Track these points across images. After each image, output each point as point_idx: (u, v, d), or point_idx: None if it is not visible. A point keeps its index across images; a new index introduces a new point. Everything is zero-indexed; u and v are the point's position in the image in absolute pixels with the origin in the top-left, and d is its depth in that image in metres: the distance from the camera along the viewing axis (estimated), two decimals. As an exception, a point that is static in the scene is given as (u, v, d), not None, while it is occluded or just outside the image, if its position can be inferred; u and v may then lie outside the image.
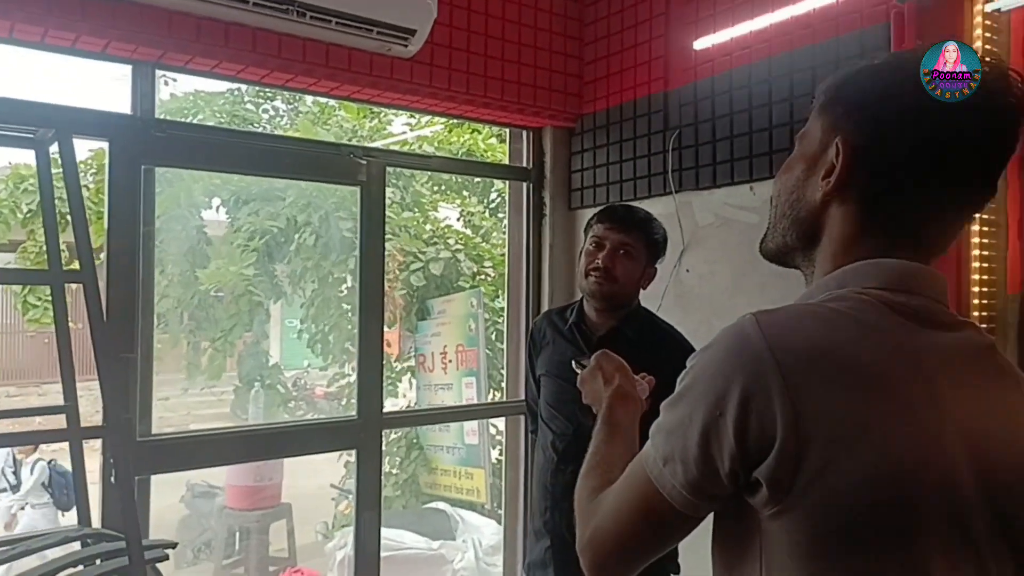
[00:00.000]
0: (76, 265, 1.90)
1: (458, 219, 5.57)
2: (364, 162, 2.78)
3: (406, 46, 2.56)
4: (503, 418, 3.42)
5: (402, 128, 5.72)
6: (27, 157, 4.53)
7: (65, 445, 2.18)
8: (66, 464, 5.00)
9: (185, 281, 5.05)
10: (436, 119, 5.02)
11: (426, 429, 4.92)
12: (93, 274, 1.87)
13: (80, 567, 1.81)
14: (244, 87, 5.33)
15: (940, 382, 0.73)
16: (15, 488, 5.38)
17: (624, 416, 1.04)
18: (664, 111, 2.74)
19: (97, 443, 2.23)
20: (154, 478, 2.39)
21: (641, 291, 1.96)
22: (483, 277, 5.10)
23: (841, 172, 0.79)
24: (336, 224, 4.87)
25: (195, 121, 5.04)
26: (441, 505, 4.72)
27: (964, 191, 0.78)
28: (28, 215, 5.14)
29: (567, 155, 3.21)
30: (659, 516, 0.78)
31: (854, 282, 0.78)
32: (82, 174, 4.63)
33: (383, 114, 5.52)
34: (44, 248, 2.24)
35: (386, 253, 2.94)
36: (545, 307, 3.11)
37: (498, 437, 4.41)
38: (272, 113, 5.94)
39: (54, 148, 1.96)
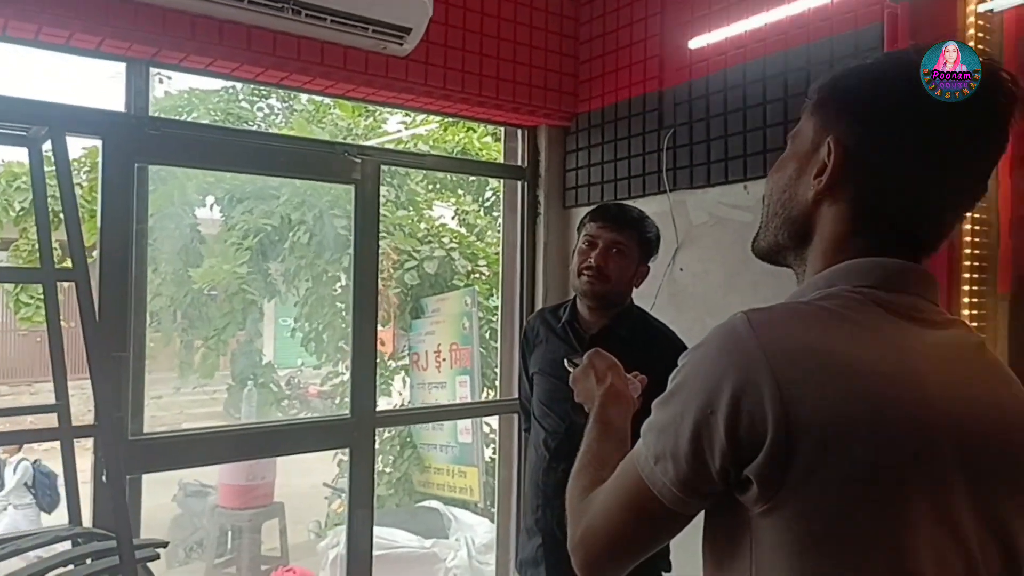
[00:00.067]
0: (68, 263, 1.89)
1: (453, 218, 5.57)
2: (358, 160, 2.78)
3: (401, 44, 2.56)
4: (496, 416, 3.42)
5: (397, 126, 5.72)
6: (20, 155, 4.52)
7: (50, 445, 2.17)
8: (51, 465, 4.99)
9: (178, 279, 5.03)
10: (431, 118, 5.01)
11: (419, 428, 4.92)
12: (85, 272, 1.86)
13: (70, 566, 1.80)
14: (239, 85, 5.31)
15: (930, 380, 0.73)
16: (-3, 488, 5.33)
17: (616, 415, 1.05)
18: (659, 110, 2.74)
19: (89, 442, 2.22)
20: (146, 477, 2.38)
21: (634, 289, 1.96)
22: (477, 276, 5.10)
23: (833, 171, 0.79)
24: (330, 222, 4.86)
25: (189, 119, 5.02)
26: (434, 504, 4.72)
27: (955, 190, 0.78)
28: (20, 213, 5.12)
29: (562, 154, 3.21)
30: (650, 514, 0.78)
31: (845, 280, 0.78)
32: (75, 172, 4.61)
33: (378, 112, 5.51)
34: (36, 246, 2.23)
35: (380, 251, 2.94)
36: (539, 306, 3.11)
37: (491, 435, 4.41)
38: (267, 111, 5.92)
39: (47, 146, 1.95)
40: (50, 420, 2.03)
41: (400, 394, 5.31)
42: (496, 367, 3.40)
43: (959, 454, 0.71)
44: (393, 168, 4.75)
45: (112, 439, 1.94)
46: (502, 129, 3.38)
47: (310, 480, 5.35)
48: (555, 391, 1.92)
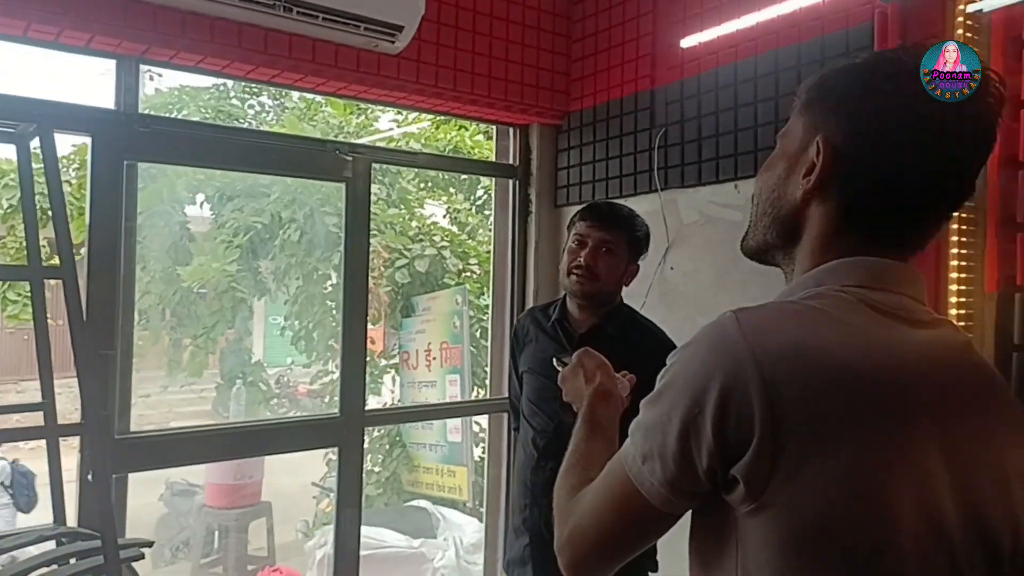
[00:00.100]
0: (56, 261, 1.88)
1: (444, 216, 5.56)
2: (350, 158, 2.77)
3: (393, 42, 2.55)
4: (486, 416, 3.41)
5: (389, 125, 5.70)
6: (8, 152, 4.47)
7: (31, 444, 2.15)
8: (30, 465, 4.94)
9: (167, 277, 5.00)
10: (423, 116, 5.00)
11: (409, 427, 4.91)
12: (73, 270, 1.85)
13: (54, 566, 1.79)
14: (230, 82, 5.29)
15: (916, 378, 0.73)
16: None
17: (604, 414, 1.05)
18: (651, 109, 2.74)
19: (75, 440, 2.20)
20: (132, 476, 2.37)
21: (624, 288, 1.96)
22: (468, 274, 5.09)
23: (821, 170, 0.79)
24: (321, 220, 4.84)
25: (179, 116, 4.99)
26: (423, 503, 4.71)
27: (942, 190, 0.79)
28: (8, 210, 5.08)
29: (553, 152, 3.20)
30: (637, 514, 0.78)
31: (833, 280, 0.78)
32: (64, 169, 4.59)
33: (370, 111, 5.49)
34: (24, 243, 2.22)
35: (371, 250, 2.93)
36: (530, 304, 3.11)
37: (481, 435, 4.40)
38: (258, 109, 5.89)
39: (35, 143, 1.94)
40: (36, 419, 2.01)
41: (393, 392, 5.30)
42: (486, 366, 3.40)
43: (943, 453, 0.72)
44: (384, 166, 4.74)
45: (98, 438, 1.93)
46: (494, 127, 3.37)
47: (299, 479, 5.33)
48: (544, 390, 1.92)
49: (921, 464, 0.70)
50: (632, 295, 2.05)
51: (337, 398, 2.80)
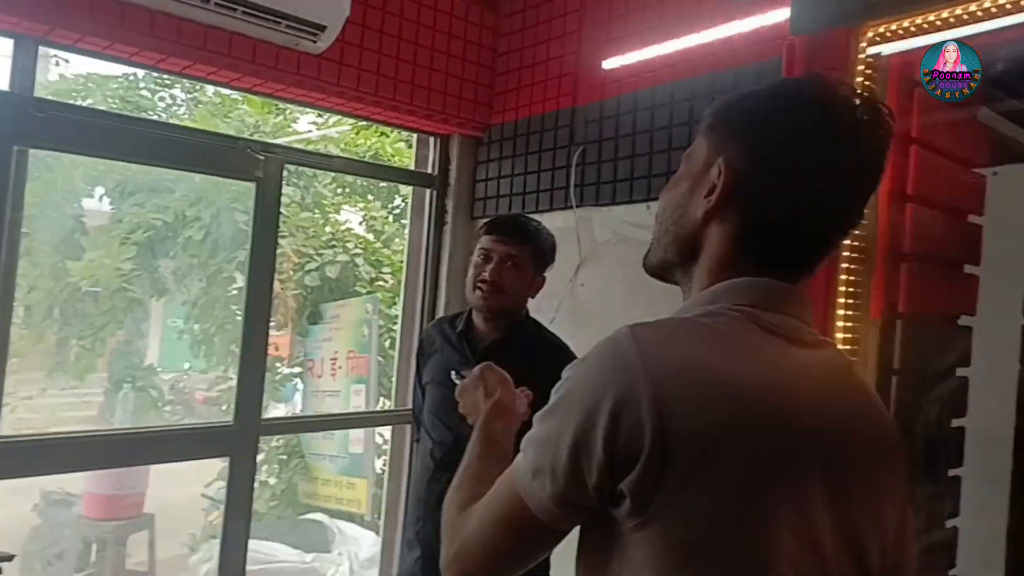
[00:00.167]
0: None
1: (360, 223, 5.46)
2: (262, 158, 2.69)
3: (315, 42, 2.51)
4: (389, 427, 3.34)
5: (308, 127, 5.57)
6: None
7: None
8: None
9: (56, 273, 4.69)
10: (344, 120, 4.91)
11: (310, 437, 4.75)
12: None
13: None
14: (140, 72, 5.05)
15: (800, 398, 0.75)
16: None
17: (500, 430, 1.04)
18: (571, 127, 2.78)
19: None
20: (2, 485, 2.18)
21: (532, 301, 1.96)
22: (381, 283, 5.00)
23: (721, 191, 0.81)
24: (230, 219, 4.65)
25: (85, 105, 4.71)
26: (319, 516, 4.56)
27: (833, 216, 0.82)
28: None
29: (473, 164, 3.20)
30: (526, 530, 0.77)
31: (727, 299, 0.79)
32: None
33: (289, 111, 5.35)
34: None
35: (280, 252, 2.84)
36: (440, 315, 3.08)
37: (384, 446, 4.30)
38: (169, 101, 5.63)
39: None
40: None
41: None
42: (393, 376, 3.33)
43: (822, 473, 0.73)
44: (300, 169, 4.61)
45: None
46: (414, 136, 3.34)
47: (192, 490, 5.06)
48: (445, 401, 1.89)
49: (801, 480, 0.72)
50: (541, 311, 2.05)
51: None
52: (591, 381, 0.73)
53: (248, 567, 2.68)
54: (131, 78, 5.25)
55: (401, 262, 3.54)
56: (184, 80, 4.62)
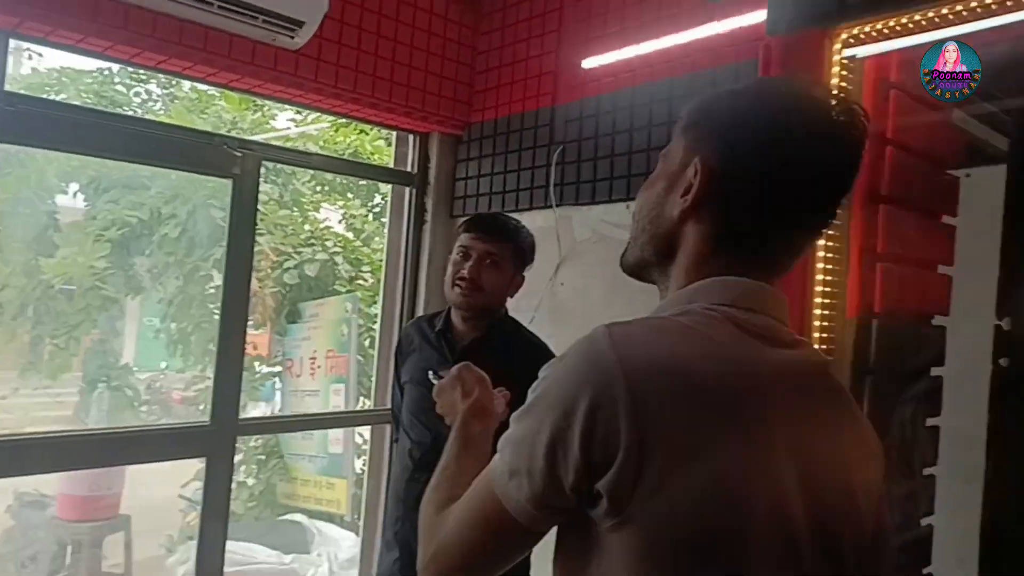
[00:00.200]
0: None
1: (340, 221, 5.42)
2: (239, 155, 2.66)
3: (293, 38, 2.49)
4: (368, 427, 3.32)
5: (287, 124, 5.52)
6: None
7: None
8: None
9: (29, 271, 4.61)
10: (323, 117, 4.87)
11: (289, 437, 4.71)
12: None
13: None
14: (115, 67, 4.98)
15: (775, 396, 0.75)
16: None
17: (478, 430, 1.03)
18: (551, 126, 2.78)
19: None
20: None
21: (511, 300, 1.96)
22: (361, 282, 4.97)
23: (698, 191, 0.81)
24: (207, 216, 4.59)
25: (58, 99, 4.63)
26: (298, 517, 4.53)
27: (808, 216, 0.82)
28: None
29: (452, 162, 3.19)
30: (503, 531, 0.77)
31: (704, 298, 0.80)
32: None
33: (267, 108, 5.30)
34: None
35: (259, 250, 2.81)
36: (419, 313, 3.07)
37: (364, 446, 4.28)
38: (145, 97, 5.56)
39: None
40: None
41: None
42: (372, 376, 3.31)
43: (798, 470, 0.73)
44: (278, 166, 4.57)
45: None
46: (394, 134, 3.32)
47: (170, 491, 5.00)
48: (423, 401, 1.88)
49: (777, 478, 0.72)
50: (521, 310, 2.04)
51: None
52: (567, 381, 0.73)
53: (226, 568, 2.66)
54: (106, 73, 5.17)
55: (381, 260, 3.52)
56: (160, 75, 4.57)
